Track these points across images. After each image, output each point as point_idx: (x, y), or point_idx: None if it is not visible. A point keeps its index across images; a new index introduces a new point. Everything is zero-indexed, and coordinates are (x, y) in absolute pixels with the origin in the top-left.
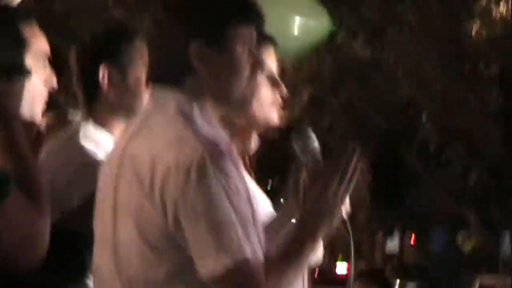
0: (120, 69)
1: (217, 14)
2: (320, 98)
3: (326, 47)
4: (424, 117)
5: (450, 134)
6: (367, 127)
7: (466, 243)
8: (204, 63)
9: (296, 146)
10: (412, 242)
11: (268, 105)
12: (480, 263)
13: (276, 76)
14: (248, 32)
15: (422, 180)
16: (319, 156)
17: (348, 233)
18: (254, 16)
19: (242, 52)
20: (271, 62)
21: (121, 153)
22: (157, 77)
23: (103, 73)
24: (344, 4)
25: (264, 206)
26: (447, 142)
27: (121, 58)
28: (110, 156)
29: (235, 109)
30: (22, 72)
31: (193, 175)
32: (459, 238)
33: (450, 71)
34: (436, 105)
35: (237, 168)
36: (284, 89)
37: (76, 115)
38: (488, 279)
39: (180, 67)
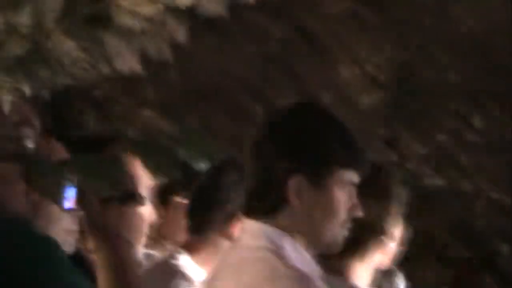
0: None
1: (326, 154)
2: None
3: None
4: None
5: None
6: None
7: None
8: (301, 198)
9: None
10: None
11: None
12: None
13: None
14: (350, 175)
15: None
16: None
17: None
18: (359, 162)
19: (341, 194)
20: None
21: None
22: (249, 209)
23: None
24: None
25: None
26: None
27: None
28: None
29: (325, 249)
30: (136, 198)
31: None
32: None
33: None
34: None
35: None
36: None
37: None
38: None
39: (275, 199)
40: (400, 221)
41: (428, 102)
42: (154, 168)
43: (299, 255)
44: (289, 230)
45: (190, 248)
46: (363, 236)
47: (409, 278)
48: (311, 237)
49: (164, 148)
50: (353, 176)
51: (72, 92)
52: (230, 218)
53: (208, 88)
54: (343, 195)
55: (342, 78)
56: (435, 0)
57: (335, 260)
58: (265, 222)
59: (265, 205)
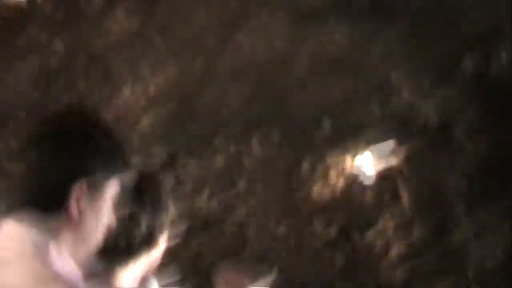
0: None
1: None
2: None
3: None
4: None
5: None
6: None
7: None
8: (79, 205)
9: None
10: None
11: None
12: None
13: None
14: (113, 185)
15: None
16: None
17: None
18: (122, 173)
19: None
20: None
21: None
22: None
23: None
24: None
25: None
26: None
27: None
28: None
29: (90, 255)
30: None
31: None
32: None
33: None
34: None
35: None
36: None
37: None
38: None
39: (53, 204)
40: (167, 233)
41: (208, 124)
42: None
43: (64, 260)
44: (57, 234)
45: None
46: (134, 245)
47: None
48: (79, 243)
49: None
50: (115, 186)
51: None
52: None
53: None
54: (109, 204)
55: (122, 96)
56: (220, 25)
57: (104, 267)
58: (34, 225)
59: (41, 207)
